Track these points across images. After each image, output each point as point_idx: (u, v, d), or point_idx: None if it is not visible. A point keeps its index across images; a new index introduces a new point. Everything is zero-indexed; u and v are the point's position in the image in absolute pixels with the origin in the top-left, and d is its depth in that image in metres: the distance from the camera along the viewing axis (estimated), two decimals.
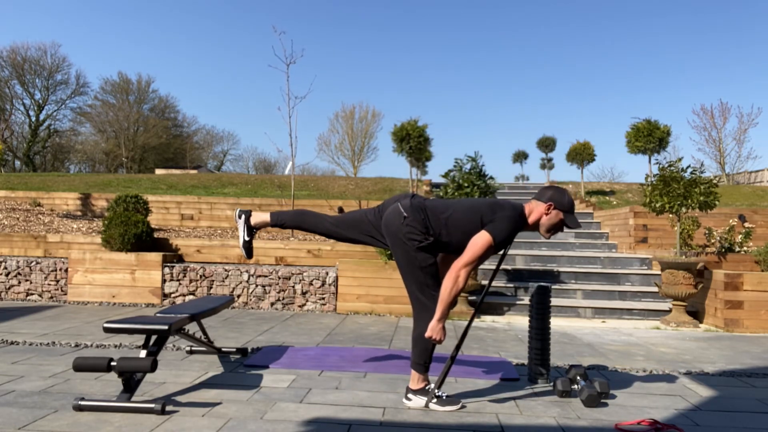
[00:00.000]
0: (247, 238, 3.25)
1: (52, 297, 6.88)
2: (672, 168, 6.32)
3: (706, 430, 2.75)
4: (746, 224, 8.45)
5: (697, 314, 6.51)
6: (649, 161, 12.38)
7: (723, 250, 7.24)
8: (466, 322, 5.91)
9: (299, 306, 6.58)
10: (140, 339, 4.53)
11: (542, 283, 7.01)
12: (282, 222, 3.22)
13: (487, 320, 6.14)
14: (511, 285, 6.99)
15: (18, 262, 6.93)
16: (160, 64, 63.76)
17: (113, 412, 2.76)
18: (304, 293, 6.58)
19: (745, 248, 7.36)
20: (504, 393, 3.29)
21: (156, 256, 6.74)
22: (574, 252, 8.20)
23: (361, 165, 36.59)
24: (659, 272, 7.26)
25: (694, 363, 4.24)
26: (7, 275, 6.95)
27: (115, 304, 6.68)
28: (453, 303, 2.84)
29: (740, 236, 7.46)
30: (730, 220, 8.25)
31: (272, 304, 6.61)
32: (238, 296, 6.66)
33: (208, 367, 3.73)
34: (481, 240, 2.83)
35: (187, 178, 14.45)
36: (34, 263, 6.91)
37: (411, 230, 2.89)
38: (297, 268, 6.69)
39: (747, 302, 5.90)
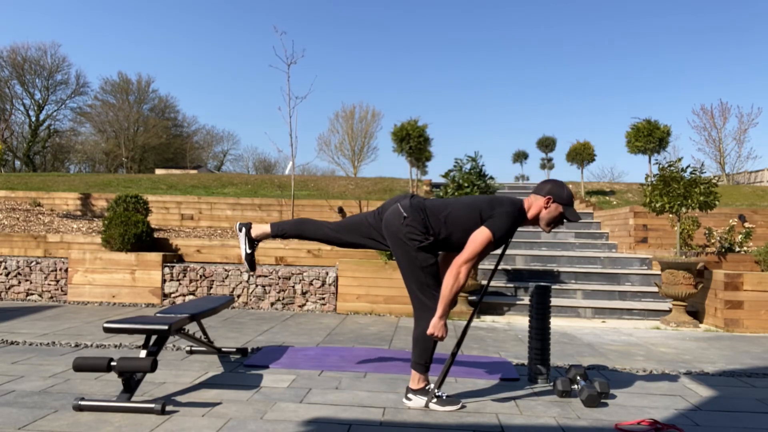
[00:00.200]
0: (248, 251, 3.24)
1: (52, 297, 6.88)
2: (672, 168, 6.32)
3: (706, 430, 2.75)
4: (746, 224, 8.45)
5: (697, 314, 6.51)
6: (649, 161, 12.39)
7: (723, 250, 7.24)
8: (466, 322, 5.91)
9: (299, 306, 6.58)
10: (140, 339, 4.53)
11: (542, 283, 7.00)
12: (283, 232, 3.22)
13: (487, 320, 6.14)
14: (511, 285, 6.99)
15: (18, 262, 6.93)
16: (160, 64, 63.78)
17: (113, 412, 2.76)
18: (304, 293, 6.58)
19: (745, 248, 7.35)
20: (504, 393, 3.29)
21: (156, 256, 6.74)
22: (574, 252, 8.20)
23: (361, 165, 36.59)
24: (659, 272, 7.26)
25: (694, 363, 4.24)
26: (7, 275, 6.95)
27: (115, 304, 6.68)
28: (454, 301, 2.84)
29: (740, 236, 7.46)
30: (730, 220, 8.24)
31: (272, 304, 6.61)
32: (238, 296, 6.66)
33: (208, 367, 3.73)
34: (480, 236, 2.83)
35: (187, 178, 14.45)
36: (34, 263, 6.91)
37: (411, 230, 2.90)
38: (297, 268, 6.69)
39: (747, 302, 5.90)
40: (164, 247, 7.51)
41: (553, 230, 9.37)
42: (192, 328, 5.14)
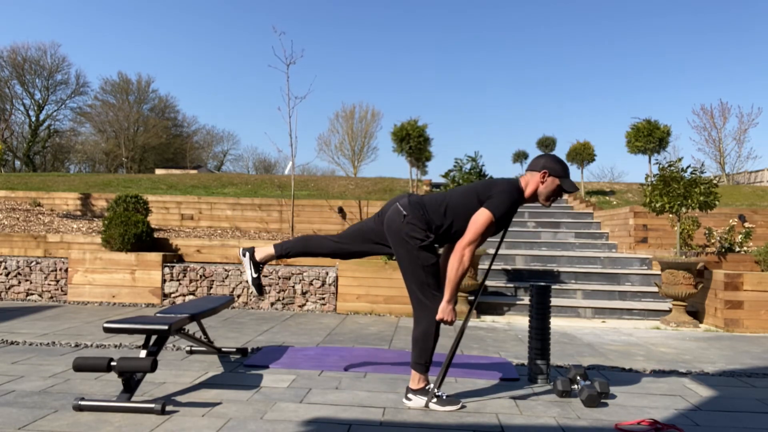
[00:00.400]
0: (254, 275, 3.21)
1: (52, 297, 6.88)
2: (672, 168, 6.31)
3: (706, 430, 2.75)
4: (746, 224, 8.45)
5: (697, 314, 6.51)
6: (649, 161, 12.39)
7: (723, 250, 7.23)
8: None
9: (299, 306, 6.58)
10: (140, 339, 4.53)
11: (542, 283, 7.00)
12: (287, 251, 3.19)
13: (487, 320, 6.14)
14: (511, 285, 6.99)
15: (18, 262, 6.93)
16: (160, 64, 63.80)
17: (113, 412, 2.76)
18: (304, 293, 6.58)
19: (745, 248, 7.35)
20: (504, 393, 3.29)
21: (156, 256, 6.74)
22: (574, 252, 8.20)
23: (361, 165, 36.61)
24: (659, 272, 7.26)
25: (694, 363, 4.24)
26: (7, 275, 6.95)
27: (115, 304, 6.68)
28: (460, 284, 2.85)
29: (740, 236, 7.46)
30: (730, 220, 8.24)
31: (272, 304, 6.61)
32: (238, 296, 6.66)
33: (208, 367, 3.73)
34: (481, 217, 2.85)
35: (187, 178, 14.45)
36: (34, 263, 6.91)
37: (412, 228, 2.91)
38: (297, 268, 6.69)
39: (747, 302, 5.90)
40: (164, 247, 7.51)
41: (552, 230, 9.36)
42: (192, 328, 5.14)
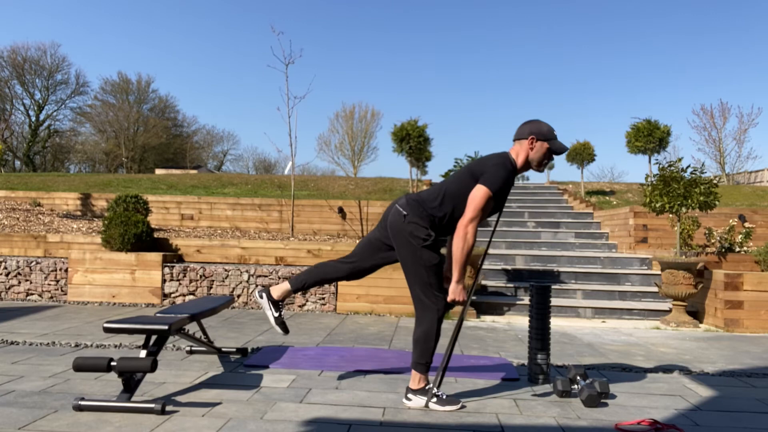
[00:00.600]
0: (276, 314, 3.18)
1: (52, 297, 6.88)
2: (672, 168, 6.31)
3: (706, 430, 2.75)
4: (746, 224, 8.45)
5: (697, 314, 6.51)
6: (649, 161, 12.39)
7: (723, 250, 7.23)
8: (467, 323, 5.91)
9: (299, 306, 6.58)
10: (140, 339, 4.53)
11: (542, 283, 7.01)
12: (303, 283, 3.16)
13: (487, 320, 6.14)
14: (511, 285, 6.99)
15: (18, 262, 6.93)
16: (160, 64, 63.80)
17: (113, 412, 2.76)
18: (304, 293, 6.58)
19: (745, 248, 7.35)
20: (504, 393, 3.29)
21: (156, 256, 6.74)
22: (574, 252, 8.20)
23: (361, 165, 36.63)
24: (659, 272, 7.26)
25: (694, 363, 4.24)
26: (7, 275, 6.95)
27: (115, 304, 6.68)
28: (466, 262, 2.86)
29: (740, 236, 7.46)
30: (730, 220, 8.24)
31: None
32: (238, 296, 6.66)
33: (208, 367, 3.73)
34: (479, 193, 2.85)
35: (187, 178, 14.45)
36: (34, 263, 6.91)
37: (414, 227, 2.91)
38: (297, 268, 6.68)
39: (747, 302, 5.90)
40: (164, 247, 7.51)
41: (552, 230, 9.35)
42: (192, 328, 5.14)
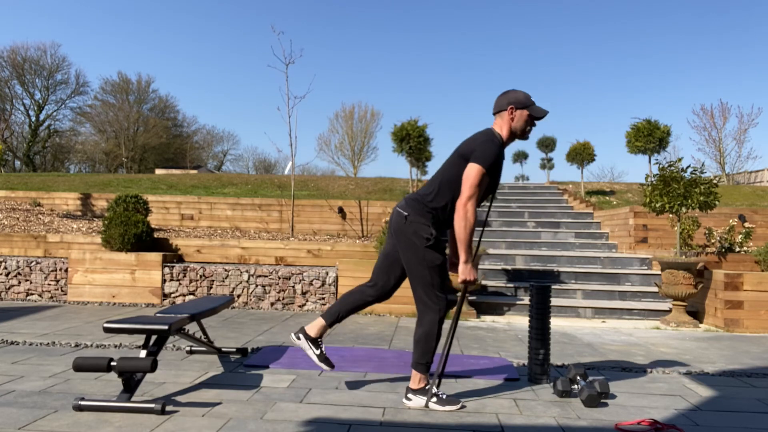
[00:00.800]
0: (317, 352, 3.14)
1: (52, 297, 6.88)
2: (672, 168, 6.31)
3: (706, 430, 2.75)
4: (746, 224, 8.45)
5: (697, 314, 6.51)
6: (649, 161, 12.39)
7: (723, 250, 7.24)
8: (467, 323, 5.90)
9: (299, 306, 6.58)
10: (140, 339, 4.53)
11: (542, 283, 7.01)
12: (336, 314, 3.13)
13: (487, 320, 6.14)
14: (511, 285, 6.99)
15: (18, 262, 6.93)
16: (160, 64, 63.80)
17: (113, 412, 2.76)
18: (304, 293, 6.58)
19: (745, 248, 7.35)
20: (504, 393, 3.29)
21: (156, 256, 6.74)
22: (574, 252, 8.20)
23: (361, 165, 36.64)
24: (659, 272, 7.26)
25: (694, 363, 4.24)
26: (7, 275, 6.95)
27: (115, 304, 6.68)
28: (471, 241, 2.86)
29: (740, 236, 7.46)
30: (730, 220, 8.24)
31: (272, 304, 6.61)
32: (238, 296, 6.66)
33: (208, 367, 3.73)
34: (472, 171, 2.85)
35: (187, 178, 14.45)
36: (34, 263, 6.91)
37: (417, 227, 2.92)
38: (297, 268, 6.68)
39: (747, 302, 5.90)
40: (164, 247, 7.51)
41: (552, 230, 9.35)
42: (192, 328, 5.14)
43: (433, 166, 44.10)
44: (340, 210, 9.78)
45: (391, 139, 11.61)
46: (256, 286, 6.64)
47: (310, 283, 6.56)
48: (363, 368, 3.76)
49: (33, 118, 35.86)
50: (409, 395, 3.00)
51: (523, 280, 7.31)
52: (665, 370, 3.97)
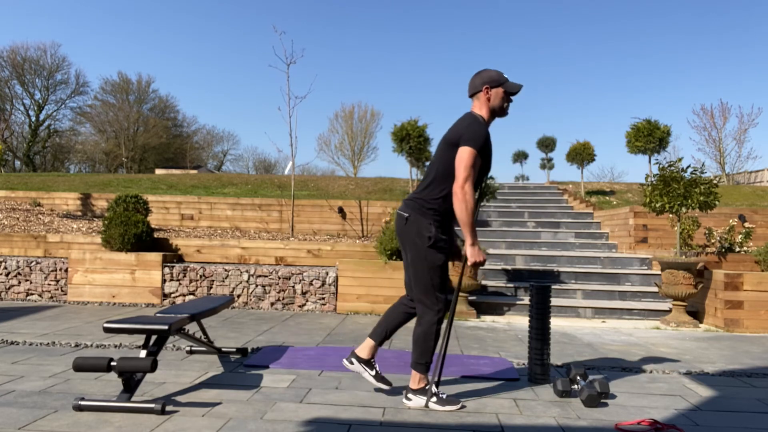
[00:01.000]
0: (372, 373, 3.14)
1: (52, 297, 6.88)
2: (672, 168, 6.31)
3: (706, 430, 2.75)
4: (746, 224, 8.45)
5: (697, 314, 6.51)
6: (649, 161, 12.39)
7: (723, 250, 7.23)
8: (467, 323, 5.90)
9: (299, 306, 6.58)
10: (140, 339, 4.53)
11: (542, 283, 7.00)
12: (384, 333, 3.13)
13: (487, 320, 6.14)
14: (511, 285, 6.99)
15: (18, 262, 6.93)
16: (160, 64, 63.80)
17: (113, 412, 2.76)
18: (304, 293, 6.58)
19: (745, 248, 7.35)
20: (504, 393, 3.29)
21: (156, 256, 6.74)
22: (574, 252, 8.20)
23: (361, 165, 36.64)
24: (659, 272, 7.26)
25: (694, 363, 4.24)
26: (7, 275, 6.95)
27: (115, 304, 6.68)
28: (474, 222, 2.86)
29: (740, 236, 7.46)
30: (730, 220, 8.24)
31: (272, 304, 6.61)
32: (238, 296, 6.66)
33: (208, 367, 3.73)
34: (464, 153, 2.85)
35: (187, 178, 14.45)
36: (34, 263, 6.91)
37: (418, 227, 2.93)
38: (297, 268, 6.68)
39: (747, 302, 5.90)
40: (164, 247, 7.51)
41: (552, 230, 9.35)
42: (192, 328, 5.14)
43: None
44: (340, 210, 9.78)
45: (391, 139, 11.60)
46: (256, 286, 6.64)
47: (310, 283, 6.56)
48: None
49: (33, 118, 35.88)
50: (409, 395, 3.00)
51: (523, 280, 7.31)
52: (665, 370, 3.97)
